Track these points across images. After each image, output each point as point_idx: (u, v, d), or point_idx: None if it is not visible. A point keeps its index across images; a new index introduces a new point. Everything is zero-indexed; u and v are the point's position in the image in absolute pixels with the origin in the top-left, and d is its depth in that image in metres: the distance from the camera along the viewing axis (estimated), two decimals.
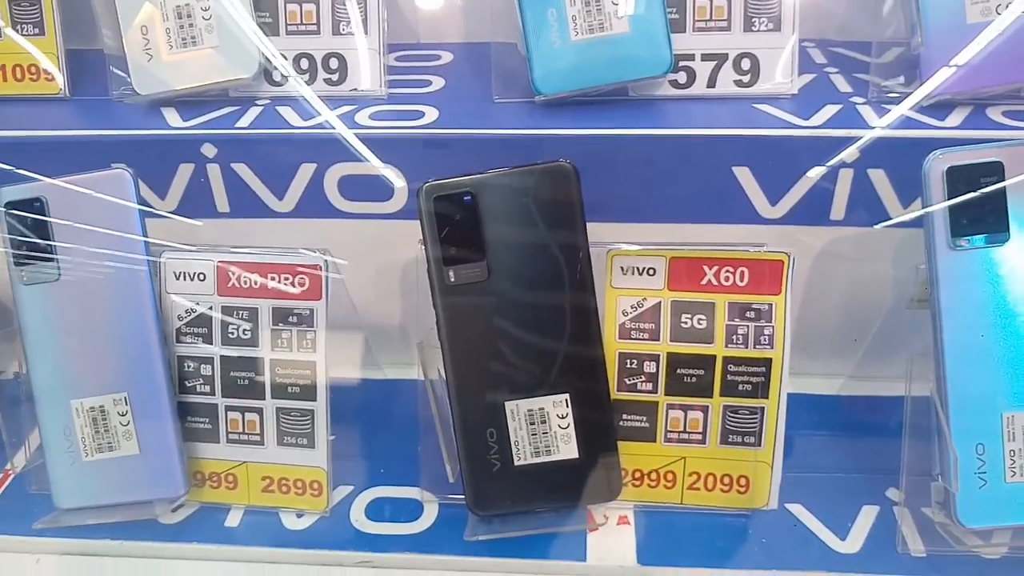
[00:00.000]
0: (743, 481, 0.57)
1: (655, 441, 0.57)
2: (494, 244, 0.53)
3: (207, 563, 0.57)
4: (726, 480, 0.57)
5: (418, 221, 0.53)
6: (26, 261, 0.56)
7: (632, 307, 0.56)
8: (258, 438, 0.58)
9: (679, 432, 0.57)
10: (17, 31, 0.67)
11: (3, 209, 0.56)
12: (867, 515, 0.57)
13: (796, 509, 0.57)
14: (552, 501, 0.56)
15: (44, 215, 0.56)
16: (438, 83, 0.68)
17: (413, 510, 0.59)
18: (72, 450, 0.57)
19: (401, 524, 0.58)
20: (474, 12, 0.75)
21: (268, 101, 0.66)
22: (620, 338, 0.56)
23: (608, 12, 0.60)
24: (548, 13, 0.60)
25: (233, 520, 0.59)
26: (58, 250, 0.56)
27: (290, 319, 0.57)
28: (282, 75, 0.65)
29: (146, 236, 0.57)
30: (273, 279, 0.57)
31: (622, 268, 0.56)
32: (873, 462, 0.59)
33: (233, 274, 0.57)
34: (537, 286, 0.53)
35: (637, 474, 0.58)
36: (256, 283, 0.57)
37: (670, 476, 0.57)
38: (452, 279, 0.53)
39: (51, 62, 0.67)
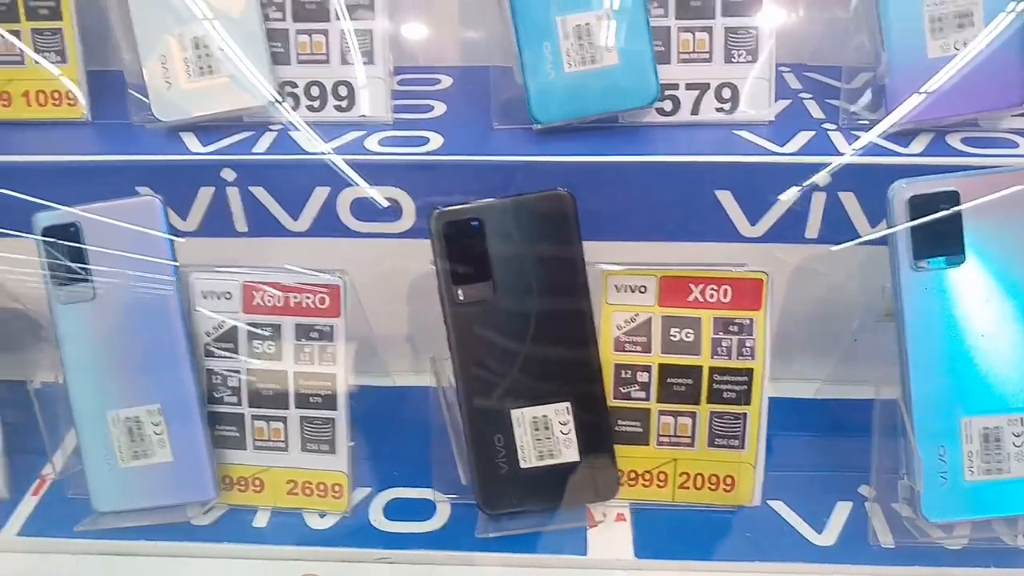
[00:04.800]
0: (729, 480, 0.61)
1: (648, 444, 0.61)
2: (499, 265, 0.57)
3: (237, 561, 0.59)
4: (713, 480, 0.61)
5: (428, 242, 0.56)
6: (63, 282, 0.59)
7: (626, 322, 0.60)
8: (283, 445, 0.61)
9: (670, 436, 0.60)
10: (40, 58, 0.69)
11: (41, 234, 0.59)
12: (842, 510, 0.61)
13: (777, 505, 0.61)
14: (555, 500, 0.60)
15: (79, 240, 0.58)
16: (440, 108, 0.71)
17: (427, 510, 0.62)
18: (109, 458, 0.60)
19: (416, 523, 0.61)
20: (471, 36, 0.77)
21: (281, 126, 0.67)
22: (615, 350, 0.60)
23: (599, 46, 0.63)
24: (544, 47, 0.63)
25: (260, 521, 0.62)
26: (93, 272, 0.58)
27: (312, 334, 0.60)
28: (277, 101, 0.67)
29: (175, 258, 0.59)
30: (295, 298, 0.60)
31: (616, 286, 0.59)
32: (847, 461, 0.62)
33: (258, 293, 0.60)
34: (539, 303, 0.57)
35: (632, 475, 0.61)
36: (280, 301, 0.60)
37: (662, 476, 0.61)
38: (461, 297, 0.57)
39: (74, 86, 0.69)
